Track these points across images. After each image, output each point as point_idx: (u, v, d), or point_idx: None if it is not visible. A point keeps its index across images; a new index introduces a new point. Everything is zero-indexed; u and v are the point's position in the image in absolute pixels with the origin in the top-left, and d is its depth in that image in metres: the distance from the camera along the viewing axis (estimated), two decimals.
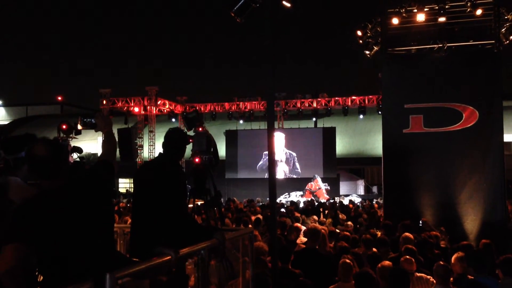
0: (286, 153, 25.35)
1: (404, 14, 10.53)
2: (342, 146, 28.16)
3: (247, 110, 25.46)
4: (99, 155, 3.09)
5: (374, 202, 17.27)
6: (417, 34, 10.67)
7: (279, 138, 25.00)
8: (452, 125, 9.78)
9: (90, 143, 23.77)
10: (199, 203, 5.85)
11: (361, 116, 24.38)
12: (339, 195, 23.43)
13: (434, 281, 4.86)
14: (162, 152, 3.67)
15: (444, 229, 8.31)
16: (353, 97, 24.08)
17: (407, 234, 6.43)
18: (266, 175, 5.61)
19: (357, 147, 29.41)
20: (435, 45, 10.22)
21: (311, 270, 5.16)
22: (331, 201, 18.91)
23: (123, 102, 24.58)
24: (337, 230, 8.46)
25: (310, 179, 23.08)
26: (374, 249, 6.32)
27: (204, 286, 3.24)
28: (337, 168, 25.79)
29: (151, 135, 24.92)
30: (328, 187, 23.19)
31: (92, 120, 3.36)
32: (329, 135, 24.90)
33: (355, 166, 29.75)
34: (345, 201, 17.94)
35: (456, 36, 10.42)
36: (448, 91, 9.91)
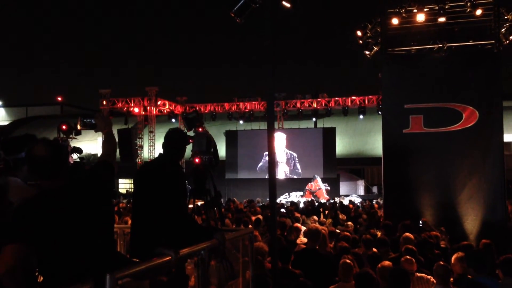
0: (287, 153, 25.35)
1: (404, 14, 10.53)
2: (342, 146, 28.16)
3: (247, 110, 25.45)
4: (99, 155, 3.09)
5: (374, 203, 17.26)
6: (417, 34, 10.67)
7: (280, 139, 25.00)
8: (452, 125, 9.78)
9: (90, 144, 23.77)
10: (199, 203, 5.85)
11: (361, 116, 24.36)
12: (339, 195, 23.43)
13: (435, 281, 4.86)
14: (162, 152, 3.67)
15: (444, 229, 8.31)
16: (353, 97, 24.06)
17: (407, 234, 6.43)
18: (266, 176, 5.61)
19: (357, 147, 29.41)
20: (435, 45, 10.22)
21: (311, 270, 5.16)
22: (331, 201, 18.92)
23: (123, 102, 24.57)
24: (337, 231, 8.46)
25: (310, 180, 23.08)
26: (374, 249, 6.32)
27: (204, 286, 3.24)
28: (337, 168, 25.78)
29: (151, 136, 24.90)
30: (328, 187, 23.19)
31: (92, 120, 3.36)
32: (329, 135, 24.89)
33: (355, 166, 29.74)
34: (345, 201, 17.94)
35: (456, 36, 10.42)
36: (448, 91, 9.90)
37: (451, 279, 4.88)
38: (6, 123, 40.02)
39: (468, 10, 10.05)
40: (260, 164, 25.12)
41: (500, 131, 9.66)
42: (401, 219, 7.99)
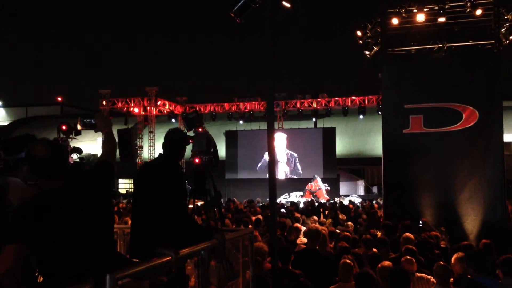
0: (287, 153, 25.34)
1: (404, 14, 10.53)
2: (342, 146, 28.15)
3: (247, 110, 25.44)
4: (99, 155, 3.09)
5: (374, 203, 17.26)
6: (417, 34, 10.67)
7: (280, 139, 25.00)
8: (452, 125, 9.78)
9: (90, 144, 23.77)
10: (199, 203, 5.84)
11: (361, 117, 24.35)
12: (339, 196, 23.43)
13: (435, 281, 4.86)
14: (162, 152, 3.67)
15: (444, 229, 8.31)
16: (353, 98, 24.05)
17: (407, 234, 6.43)
18: (267, 176, 5.61)
19: (357, 147, 29.41)
20: (435, 45, 10.23)
21: (311, 271, 5.16)
22: (331, 201, 18.92)
23: (123, 102, 24.56)
24: (337, 231, 8.46)
25: (310, 180, 23.08)
26: (374, 249, 6.32)
27: (204, 286, 3.24)
28: (337, 168, 25.78)
29: (151, 136, 24.90)
30: (328, 188, 23.19)
31: (92, 120, 3.36)
32: (329, 136, 24.89)
33: (355, 166, 29.73)
34: (345, 202, 17.93)
35: (456, 36, 10.43)
36: (448, 91, 9.91)
37: (451, 279, 4.88)
38: (6, 123, 40.02)
39: (468, 10, 10.06)
40: (260, 164, 25.13)
41: (500, 131, 9.66)
42: (401, 219, 7.99)
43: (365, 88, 36.47)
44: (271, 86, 4.79)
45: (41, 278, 2.49)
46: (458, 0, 10.16)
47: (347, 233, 7.65)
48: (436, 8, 10.31)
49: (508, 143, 20.17)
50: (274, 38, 4.61)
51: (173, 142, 3.68)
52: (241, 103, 25.37)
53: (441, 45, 10.14)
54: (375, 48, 11.38)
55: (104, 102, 24.31)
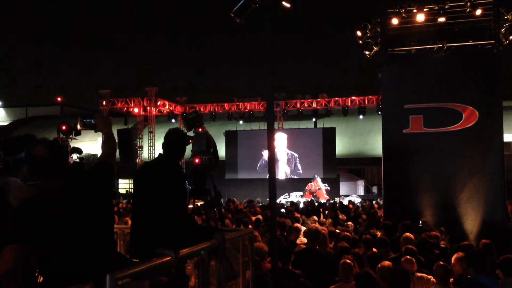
0: (288, 153, 25.34)
1: (403, 14, 10.54)
2: (342, 146, 28.14)
3: (246, 110, 25.44)
4: (99, 155, 3.09)
5: (374, 203, 17.26)
6: (417, 34, 10.68)
7: (281, 139, 25.00)
8: (452, 125, 9.79)
9: (90, 144, 23.78)
10: (199, 203, 5.84)
11: (361, 117, 24.35)
12: (339, 196, 23.43)
13: (435, 281, 4.86)
14: (162, 152, 3.66)
15: (444, 229, 8.32)
16: (353, 98, 24.05)
17: (408, 234, 6.43)
18: (267, 176, 5.61)
19: (357, 148, 29.40)
20: (435, 45, 10.23)
21: (311, 271, 5.15)
22: (331, 201, 18.92)
23: (122, 102, 24.56)
24: (337, 231, 8.46)
25: (310, 180, 23.07)
26: (374, 249, 6.32)
27: (204, 286, 3.24)
28: (337, 168, 25.78)
29: (151, 136, 24.89)
30: (328, 188, 23.18)
31: (92, 120, 3.35)
32: (329, 136, 24.89)
33: (355, 166, 29.72)
34: (345, 202, 17.93)
35: (456, 36, 10.43)
36: (448, 91, 9.91)
37: (452, 279, 4.88)
38: (6, 123, 40.02)
39: (468, 10, 10.06)
40: (259, 162, 25.12)
41: (500, 131, 9.66)
42: (401, 219, 8.00)
43: (365, 88, 36.54)
44: (271, 86, 4.79)
45: (41, 278, 2.49)
46: (458, 0, 10.17)
47: (347, 233, 7.65)
48: (436, 8, 10.32)
49: (508, 143, 20.16)
50: (274, 38, 4.61)
51: (173, 142, 3.67)
52: (241, 103, 25.36)
53: (441, 45, 10.15)
54: (375, 48, 11.38)
55: (104, 102, 24.30)
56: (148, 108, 24.48)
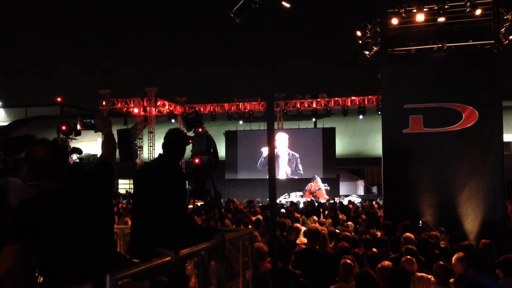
0: (289, 153, 25.33)
1: (403, 14, 10.54)
2: (342, 146, 28.15)
3: (246, 110, 25.44)
4: (98, 156, 3.09)
5: (374, 203, 17.26)
6: (417, 34, 10.68)
7: (282, 139, 25.00)
8: (452, 125, 9.79)
9: (90, 144, 23.77)
10: (199, 204, 5.84)
11: (361, 117, 24.35)
12: (339, 196, 23.43)
13: (435, 281, 4.86)
14: (161, 153, 3.66)
15: (444, 229, 8.31)
16: (353, 98, 24.05)
17: (408, 234, 6.43)
18: (267, 176, 5.60)
19: (357, 148, 29.40)
20: (435, 45, 10.24)
21: (312, 271, 5.15)
22: (331, 201, 18.92)
23: (122, 103, 24.56)
24: (337, 231, 8.46)
25: (310, 180, 23.07)
26: (374, 249, 6.32)
27: (204, 286, 3.23)
28: (337, 168, 25.78)
29: (151, 136, 24.89)
30: (328, 188, 23.19)
31: (92, 121, 3.35)
32: (328, 136, 24.89)
33: (355, 166, 29.73)
34: (345, 202, 17.93)
35: (456, 36, 10.43)
36: (447, 91, 9.91)
37: (452, 279, 4.88)
38: (6, 123, 40.01)
39: (468, 10, 10.07)
40: (260, 160, 25.11)
41: (500, 131, 9.66)
42: (401, 219, 7.99)
43: (365, 88, 36.53)
44: (271, 86, 4.79)
45: (41, 278, 2.49)
46: (458, 0, 10.17)
47: (347, 233, 7.64)
48: (436, 8, 10.32)
49: (508, 143, 20.18)
50: (274, 38, 4.61)
51: (173, 142, 3.67)
52: (241, 103, 25.36)
53: (441, 45, 10.15)
54: (375, 48, 11.39)
55: (104, 102, 24.30)
56: (148, 108, 24.48)
